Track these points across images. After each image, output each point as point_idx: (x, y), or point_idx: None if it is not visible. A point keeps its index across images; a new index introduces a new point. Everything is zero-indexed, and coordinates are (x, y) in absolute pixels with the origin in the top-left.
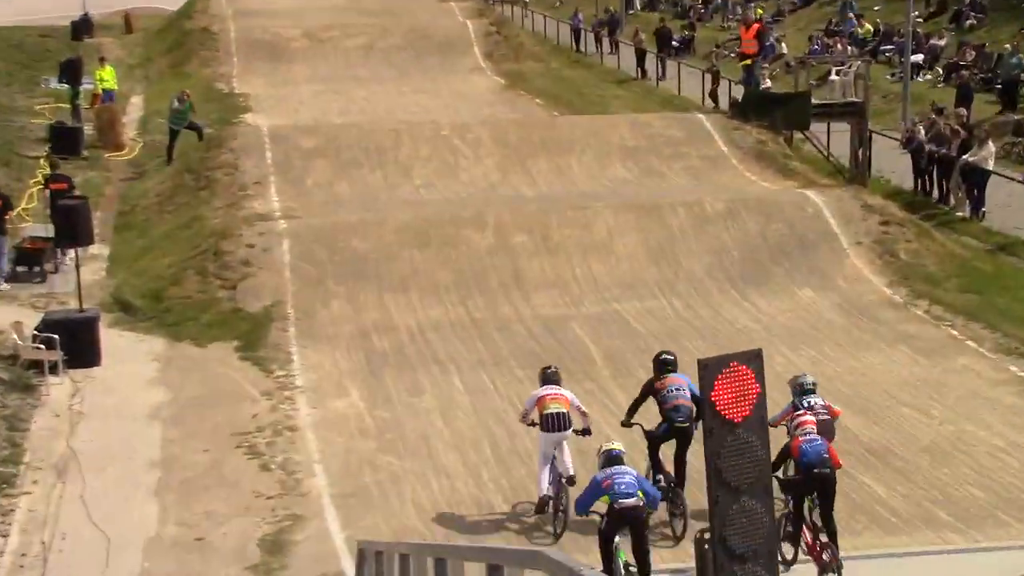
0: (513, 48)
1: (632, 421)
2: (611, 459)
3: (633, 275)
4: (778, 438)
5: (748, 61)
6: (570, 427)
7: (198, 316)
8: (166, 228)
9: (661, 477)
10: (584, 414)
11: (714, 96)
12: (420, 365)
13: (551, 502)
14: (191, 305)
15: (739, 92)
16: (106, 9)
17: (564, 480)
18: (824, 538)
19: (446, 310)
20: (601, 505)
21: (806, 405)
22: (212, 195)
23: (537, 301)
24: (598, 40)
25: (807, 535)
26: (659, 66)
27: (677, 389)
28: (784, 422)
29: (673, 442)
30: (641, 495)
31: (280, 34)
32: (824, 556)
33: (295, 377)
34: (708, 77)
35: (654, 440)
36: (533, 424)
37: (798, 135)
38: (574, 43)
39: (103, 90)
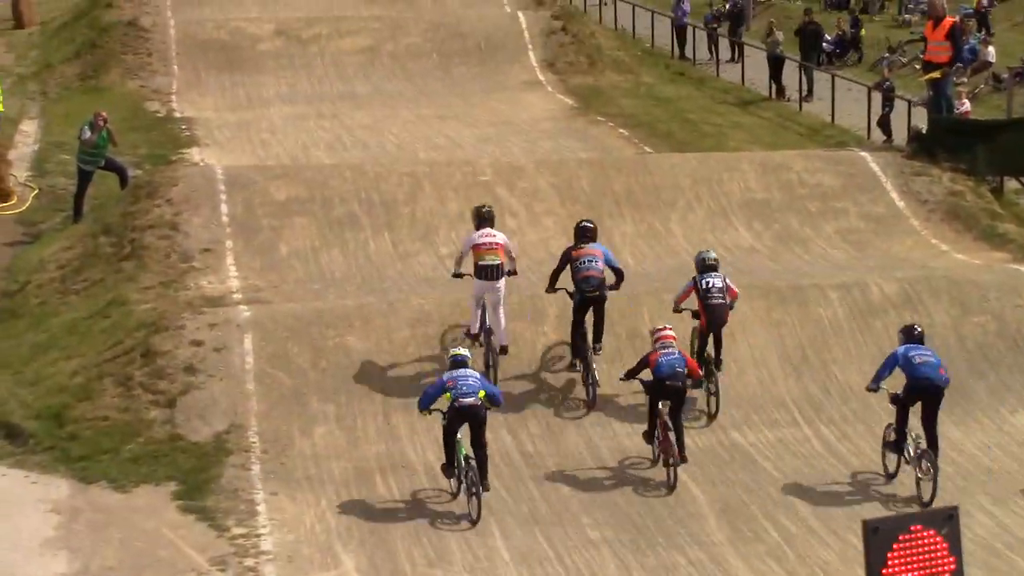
0: (587, 53)
1: (556, 287)
2: (456, 363)
3: (762, 390)
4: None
5: (937, 73)
6: (503, 277)
7: (118, 447)
8: (72, 317)
9: (578, 361)
10: (513, 258)
11: (885, 125)
12: (447, 522)
13: (481, 337)
14: (108, 430)
15: (923, 119)
16: None
17: (498, 351)
18: (672, 436)
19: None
20: (444, 403)
21: (704, 285)
22: (140, 268)
23: (619, 428)
24: (713, 41)
25: (660, 431)
26: (803, 80)
27: (589, 260)
28: (684, 304)
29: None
30: (483, 394)
31: (242, 31)
32: (669, 450)
33: (261, 538)
34: (876, 97)
35: (575, 313)
36: (461, 276)
37: (1011, 183)
38: (677, 45)
39: None
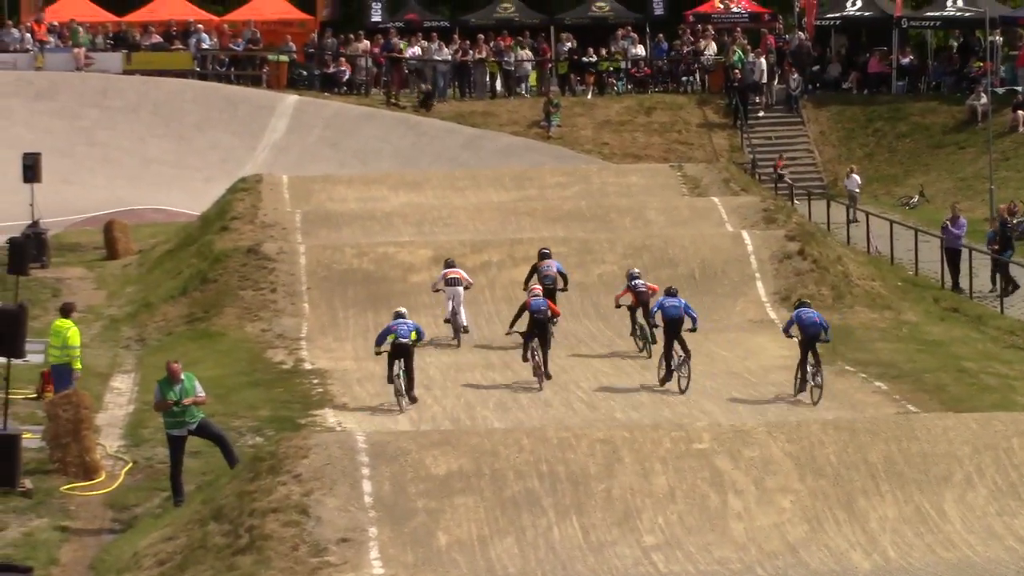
0: (831, 284)
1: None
2: (396, 315)
3: None
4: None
5: None
6: (462, 285)
7: None
8: None
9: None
10: (470, 283)
11: None
12: None
13: (452, 322)
14: None
15: None
16: (72, 216)
17: (461, 330)
18: (539, 359)
19: None
20: (388, 344)
21: (632, 285)
22: (261, 564)
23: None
24: (998, 268)
25: (531, 355)
26: None
27: (547, 268)
28: (621, 298)
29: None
30: (414, 335)
31: (391, 259)
32: (537, 368)
33: None
34: None
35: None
36: (439, 290)
37: None
38: (950, 272)
39: (64, 365)
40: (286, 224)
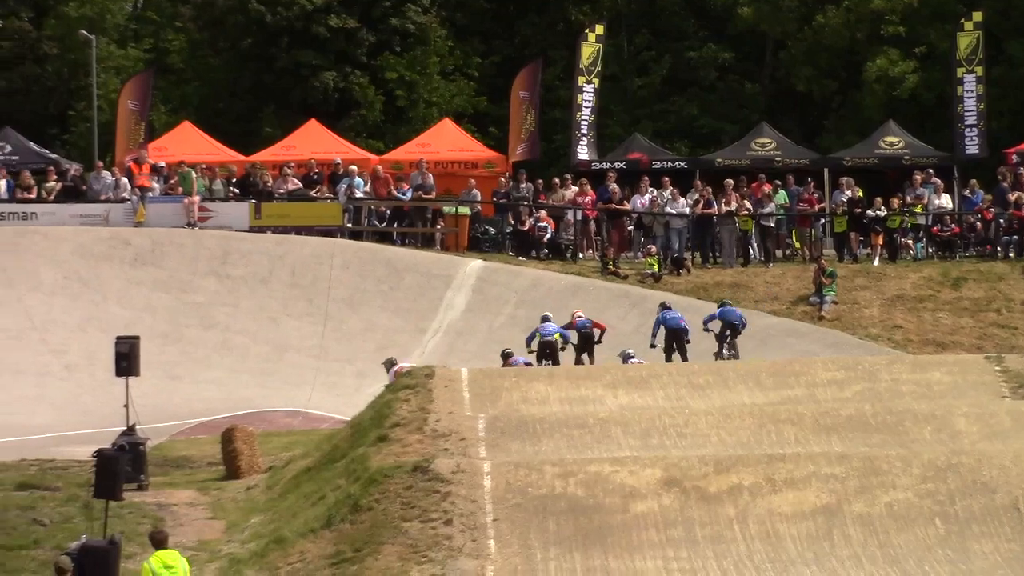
0: None
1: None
2: (543, 319)
3: None
4: None
5: None
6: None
7: None
8: None
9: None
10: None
11: None
12: None
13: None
14: None
15: None
16: (179, 421)
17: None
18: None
19: None
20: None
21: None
22: None
23: None
24: None
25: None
26: None
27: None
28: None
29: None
30: (557, 336)
31: (607, 481)
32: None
33: None
34: None
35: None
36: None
37: None
38: None
39: None
40: (465, 434)
